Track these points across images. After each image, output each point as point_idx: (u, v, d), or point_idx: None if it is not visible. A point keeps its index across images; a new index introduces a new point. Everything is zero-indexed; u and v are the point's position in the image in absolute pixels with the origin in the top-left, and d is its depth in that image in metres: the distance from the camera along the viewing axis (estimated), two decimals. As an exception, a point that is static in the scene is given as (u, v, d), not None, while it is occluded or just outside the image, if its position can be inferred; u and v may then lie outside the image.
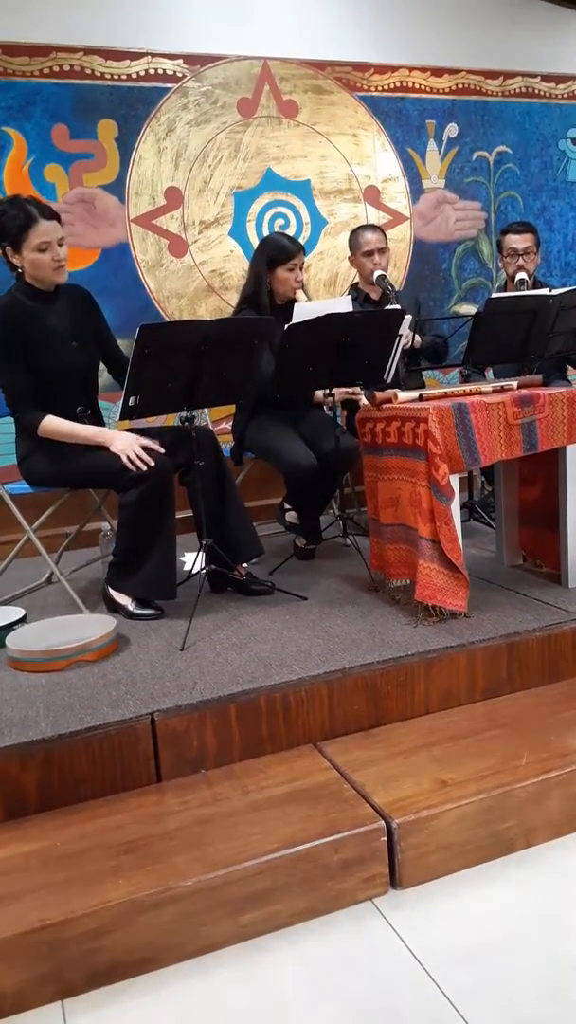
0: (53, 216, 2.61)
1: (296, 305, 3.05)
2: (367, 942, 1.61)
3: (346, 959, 1.57)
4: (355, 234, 3.69)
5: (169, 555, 2.65)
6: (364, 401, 3.01)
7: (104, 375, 2.96)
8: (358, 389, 3.13)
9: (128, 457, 2.53)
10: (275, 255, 3.17)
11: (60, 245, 2.63)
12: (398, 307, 3.15)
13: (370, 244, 3.60)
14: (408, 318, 2.86)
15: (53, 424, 2.63)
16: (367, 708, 2.17)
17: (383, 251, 3.63)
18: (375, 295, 3.68)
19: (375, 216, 4.45)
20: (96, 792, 1.93)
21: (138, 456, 2.53)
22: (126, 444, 2.57)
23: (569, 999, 1.44)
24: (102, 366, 2.95)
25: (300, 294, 3.17)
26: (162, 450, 2.58)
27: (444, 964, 1.53)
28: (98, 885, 1.61)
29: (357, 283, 3.80)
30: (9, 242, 2.59)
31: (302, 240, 4.28)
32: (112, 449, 2.57)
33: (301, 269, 3.20)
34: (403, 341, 3.28)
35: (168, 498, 2.62)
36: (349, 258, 3.75)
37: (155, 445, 2.58)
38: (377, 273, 3.52)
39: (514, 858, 1.83)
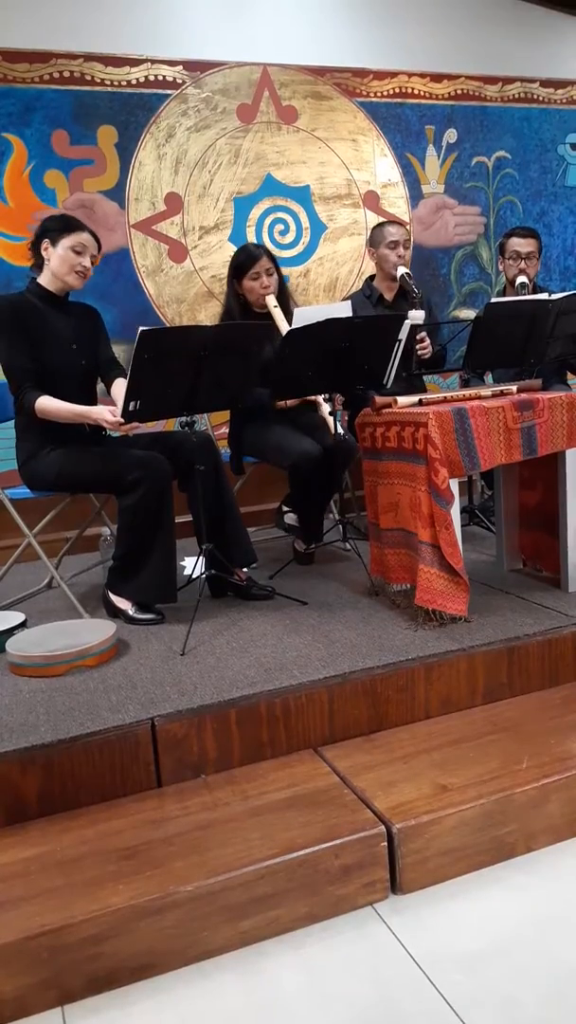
0: (97, 240, 2.81)
1: (296, 310, 3.05)
2: (368, 947, 1.61)
3: (347, 964, 1.57)
4: (378, 228, 3.65)
5: (169, 559, 2.65)
6: (325, 408, 3.00)
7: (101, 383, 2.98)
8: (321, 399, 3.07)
9: (110, 424, 2.56)
10: (237, 264, 3.21)
11: (92, 263, 2.79)
12: (420, 312, 3.15)
13: (393, 235, 3.55)
14: (417, 319, 2.85)
15: (48, 403, 2.66)
16: (367, 713, 2.17)
17: (406, 246, 3.59)
18: (390, 295, 3.63)
19: (374, 222, 4.45)
20: (96, 797, 1.93)
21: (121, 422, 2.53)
22: (108, 414, 2.57)
23: (570, 1004, 1.44)
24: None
25: (270, 299, 3.15)
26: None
27: (445, 969, 1.53)
28: (98, 890, 1.60)
29: (372, 278, 3.72)
30: (50, 236, 2.75)
31: (301, 245, 4.30)
32: (104, 423, 2.57)
33: (268, 275, 3.17)
34: (421, 352, 3.29)
35: (167, 502, 2.63)
36: (369, 251, 3.68)
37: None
38: (402, 270, 3.48)
39: (515, 863, 1.83)
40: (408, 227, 4.54)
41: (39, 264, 2.80)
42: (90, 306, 2.98)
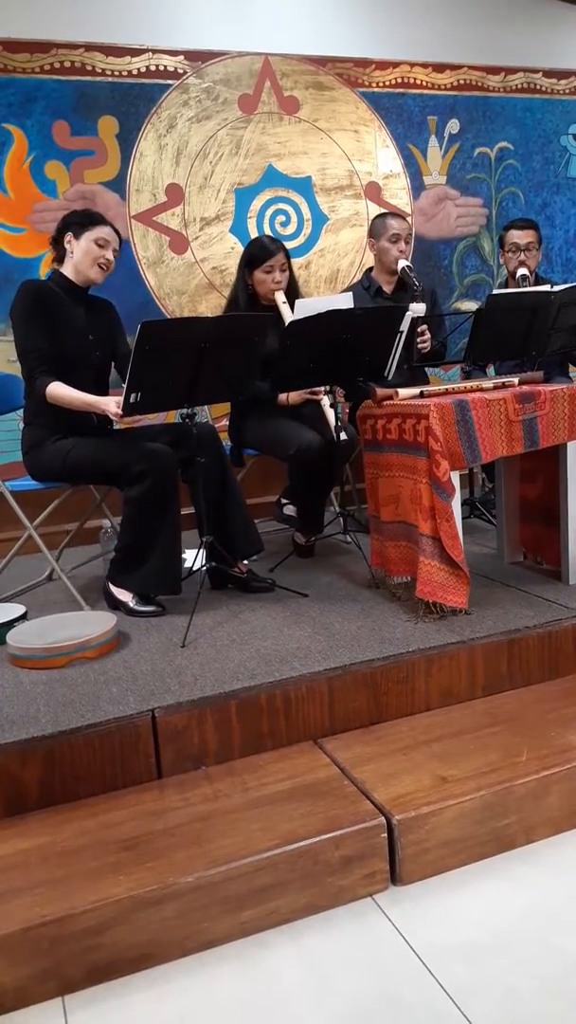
0: (118, 234, 2.86)
1: (297, 302, 3.04)
2: (367, 938, 1.62)
3: (346, 955, 1.58)
4: (380, 219, 3.60)
5: (173, 550, 2.66)
6: (326, 401, 3.00)
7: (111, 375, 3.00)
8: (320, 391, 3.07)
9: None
10: (252, 256, 3.20)
11: (113, 256, 2.82)
12: (422, 305, 3.14)
13: (395, 229, 3.50)
14: (417, 312, 2.84)
15: (59, 389, 2.68)
16: (367, 704, 2.17)
17: (408, 240, 3.55)
18: (389, 287, 3.60)
19: (376, 213, 4.43)
20: (97, 789, 1.93)
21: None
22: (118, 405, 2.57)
23: (569, 995, 1.44)
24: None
25: (279, 295, 3.15)
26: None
27: (444, 960, 1.54)
28: (99, 881, 1.61)
29: (371, 270, 3.68)
30: (74, 228, 2.78)
31: (303, 237, 4.29)
32: (109, 414, 2.57)
33: (282, 271, 3.17)
34: (421, 346, 3.28)
35: (172, 493, 2.63)
36: (369, 242, 3.64)
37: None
38: (403, 263, 3.43)
39: (514, 854, 1.83)
40: (410, 219, 4.53)
41: (60, 257, 2.83)
42: (108, 301, 3.00)
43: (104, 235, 2.78)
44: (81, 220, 2.79)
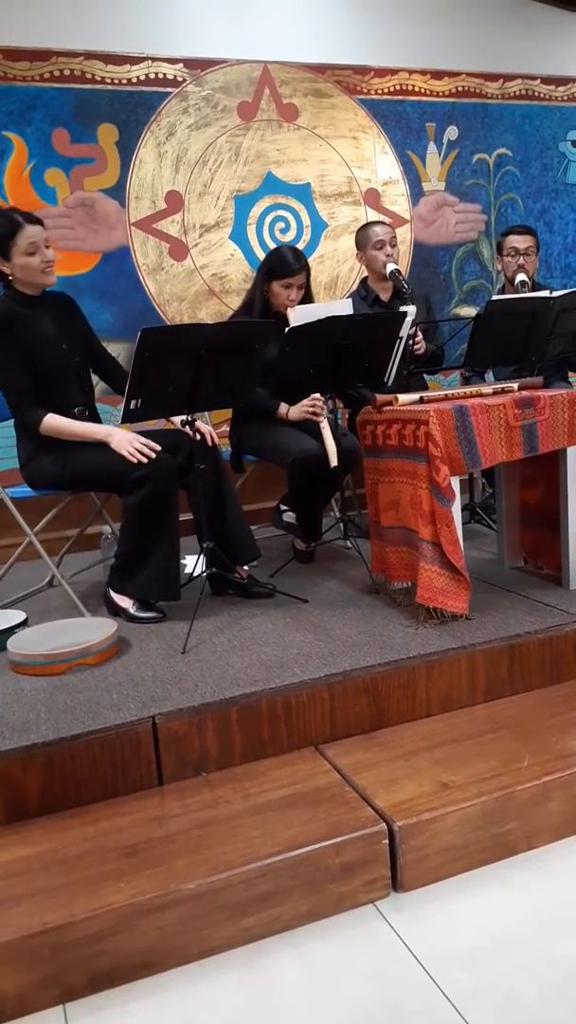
0: (37, 221, 2.65)
1: (297, 307, 3.05)
2: (369, 945, 1.61)
3: (348, 962, 1.57)
4: (363, 229, 3.62)
5: (172, 556, 2.65)
6: (326, 425, 2.97)
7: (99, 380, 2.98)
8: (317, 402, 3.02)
9: (129, 452, 2.55)
10: (274, 267, 3.17)
11: (47, 248, 2.67)
12: (412, 307, 3.14)
13: (379, 235, 3.51)
14: (411, 315, 2.84)
15: (55, 422, 2.65)
16: (368, 710, 2.17)
17: (393, 244, 3.55)
18: (385, 295, 3.62)
19: (375, 219, 4.45)
20: (97, 795, 1.93)
21: (138, 450, 2.55)
22: (124, 439, 2.58)
23: (570, 1001, 1.44)
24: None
25: (291, 313, 3.09)
26: (158, 447, 2.59)
27: (445, 966, 1.53)
28: (99, 888, 1.61)
29: (366, 279, 3.70)
30: None
31: (302, 243, 4.30)
32: (112, 445, 2.58)
33: (299, 289, 3.16)
34: (415, 347, 3.28)
35: (172, 500, 2.63)
36: (358, 255, 3.66)
37: (151, 444, 2.59)
38: (391, 267, 3.45)
39: (515, 860, 1.83)
40: (409, 224, 4.54)
41: (3, 277, 2.68)
42: (64, 295, 2.88)
43: (30, 239, 2.59)
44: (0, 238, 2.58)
